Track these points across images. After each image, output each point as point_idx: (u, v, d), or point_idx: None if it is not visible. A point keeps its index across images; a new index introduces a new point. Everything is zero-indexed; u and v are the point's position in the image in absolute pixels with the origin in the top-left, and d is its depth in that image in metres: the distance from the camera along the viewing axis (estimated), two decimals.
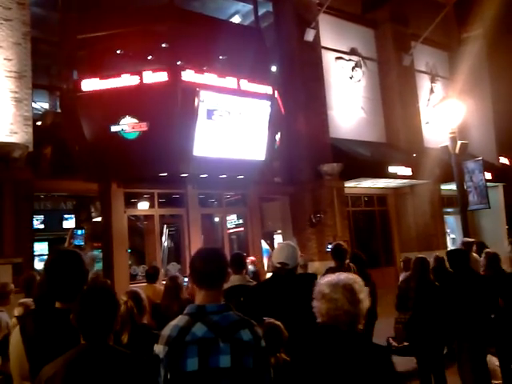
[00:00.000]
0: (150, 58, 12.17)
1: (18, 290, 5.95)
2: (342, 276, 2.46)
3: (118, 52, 11.67)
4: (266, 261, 13.24)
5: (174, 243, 13.58)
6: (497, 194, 18.03)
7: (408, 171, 14.88)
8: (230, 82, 10.99)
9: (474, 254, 7.56)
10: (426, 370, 5.58)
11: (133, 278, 11.07)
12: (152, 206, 12.01)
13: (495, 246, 7.78)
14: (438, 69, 19.76)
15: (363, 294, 2.39)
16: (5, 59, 9.75)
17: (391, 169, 14.53)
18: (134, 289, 4.07)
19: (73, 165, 10.48)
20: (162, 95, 10.18)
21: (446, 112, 10.05)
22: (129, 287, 7.77)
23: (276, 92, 11.90)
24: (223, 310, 2.38)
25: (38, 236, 12.29)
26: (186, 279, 6.09)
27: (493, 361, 5.68)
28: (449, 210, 17.80)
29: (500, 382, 5.64)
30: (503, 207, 18.48)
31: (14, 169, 9.25)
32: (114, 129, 10.22)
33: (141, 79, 10.29)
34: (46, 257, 9.86)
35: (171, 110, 10.16)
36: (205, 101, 10.50)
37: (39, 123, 11.01)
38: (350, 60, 16.51)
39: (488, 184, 14.79)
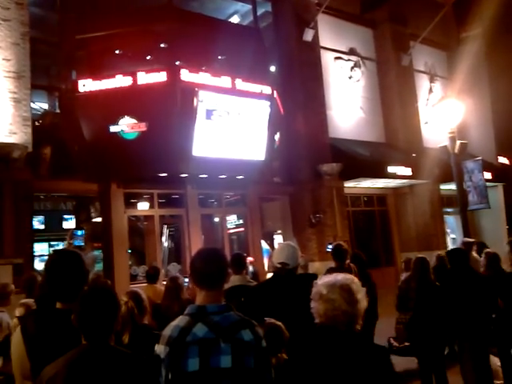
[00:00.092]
0: (148, 58, 12.16)
1: (19, 290, 5.95)
2: (340, 276, 2.47)
3: (117, 52, 11.67)
4: (266, 261, 13.23)
5: (174, 243, 13.58)
6: (496, 194, 18.03)
7: (407, 171, 14.89)
8: (225, 81, 10.95)
9: (474, 254, 7.56)
10: (427, 370, 5.59)
11: (133, 278, 11.06)
12: (152, 206, 12.00)
13: (495, 246, 7.76)
14: (437, 68, 19.77)
15: (360, 295, 2.40)
16: (3, 59, 9.74)
17: (391, 169, 14.54)
18: (134, 289, 4.07)
19: (72, 165, 10.46)
20: (160, 95, 10.18)
21: (445, 112, 10.05)
22: (129, 288, 7.76)
23: (275, 92, 11.90)
24: (224, 310, 2.38)
25: (38, 236, 12.26)
26: (187, 279, 6.09)
27: (494, 361, 5.67)
28: (449, 209, 17.80)
29: (501, 382, 5.64)
30: (503, 207, 18.48)
31: (14, 169, 9.24)
32: (113, 129, 10.22)
33: (140, 79, 10.28)
34: (46, 257, 9.84)
35: (170, 110, 10.16)
36: (204, 101, 10.50)
37: (38, 123, 10.99)
38: (348, 60, 16.51)
39: (488, 184, 14.79)
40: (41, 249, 12.63)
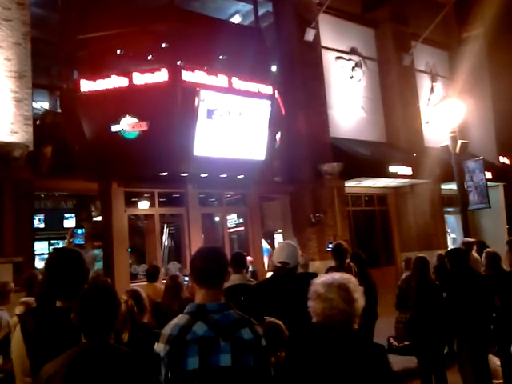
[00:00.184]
0: (150, 57, 12.17)
1: (19, 288, 5.96)
2: (337, 276, 2.48)
3: (118, 52, 11.67)
4: (266, 260, 13.23)
5: (175, 242, 13.58)
6: (497, 194, 18.02)
7: (408, 171, 14.88)
8: (222, 79, 10.94)
9: (474, 254, 7.57)
10: (427, 370, 5.59)
11: (133, 277, 11.07)
12: (152, 205, 12.01)
13: (496, 246, 7.76)
14: (438, 68, 19.75)
15: (358, 294, 2.41)
16: (5, 59, 9.75)
17: (391, 168, 14.54)
18: (134, 288, 4.08)
19: (73, 164, 10.48)
20: (162, 95, 10.19)
21: (446, 111, 10.05)
22: (129, 286, 7.78)
23: (276, 92, 11.90)
24: (224, 308, 2.39)
25: (39, 235, 12.27)
26: (187, 278, 6.10)
27: (494, 360, 5.68)
28: (449, 209, 17.80)
29: (501, 381, 5.64)
30: (504, 207, 18.47)
31: (15, 168, 9.25)
32: (114, 128, 10.23)
33: (141, 79, 10.29)
34: (46, 256, 9.86)
35: (171, 110, 10.17)
36: (205, 100, 10.50)
37: (39, 123, 11.00)
38: (350, 60, 16.50)
39: (488, 183, 14.76)
40: (41, 247, 12.64)
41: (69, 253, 2.64)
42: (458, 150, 9.71)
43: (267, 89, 11.69)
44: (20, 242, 9.15)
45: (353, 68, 16.57)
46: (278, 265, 3.87)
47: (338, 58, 16.16)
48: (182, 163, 10.65)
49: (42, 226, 12.61)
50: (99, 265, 11.17)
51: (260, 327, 2.47)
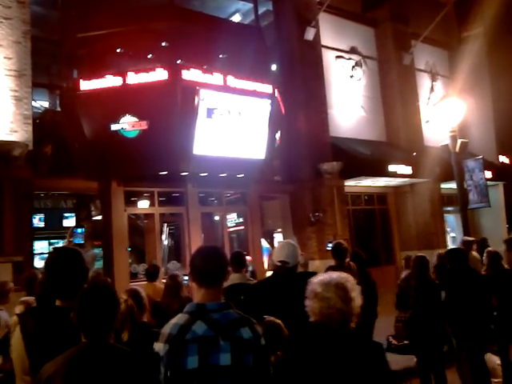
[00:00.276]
0: (149, 56, 12.15)
1: (18, 288, 5.96)
2: (334, 275, 2.48)
3: (118, 51, 11.65)
4: (266, 259, 13.24)
5: (174, 242, 13.58)
6: (497, 193, 18.03)
7: (408, 170, 14.88)
8: (217, 78, 10.89)
9: (474, 253, 7.57)
10: (426, 369, 5.60)
11: (133, 276, 11.07)
12: (152, 204, 12.00)
13: (495, 245, 7.78)
14: (438, 67, 19.75)
15: (355, 293, 2.41)
16: (5, 58, 9.73)
17: (391, 167, 14.53)
18: (134, 287, 4.09)
19: (73, 163, 10.47)
20: (162, 94, 10.18)
21: (446, 111, 10.04)
22: (129, 285, 7.78)
23: (276, 91, 11.90)
24: (223, 308, 2.39)
25: (38, 234, 12.28)
26: (186, 277, 6.09)
27: (492, 359, 5.69)
28: (449, 208, 17.80)
29: (500, 380, 5.65)
30: (503, 206, 18.48)
31: (14, 167, 9.24)
32: (114, 127, 10.23)
33: (140, 78, 10.29)
34: (46, 255, 9.86)
35: (171, 109, 10.16)
36: (205, 99, 10.50)
37: (39, 122, 11.00)
38: (350, 59, 16.50)
39: (488, 183, 14.81)
40: (41, 247, 12.66)
41: (69, 252, 2.64)
42: (457, 149, 9.71)
43: (267, 88, 11.68)
44: (20, 242, 9.14)
45: (353, 67, 16.57)
46: (278, 264, 3.87)
47: (338, 57, 16.16)
48: (181, 162, 10.64)
49: (42, 225, 12.63)
50: (99, 264, 11.17)
51: (260, 326, 2.47)
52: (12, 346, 2.40)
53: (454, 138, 9.75)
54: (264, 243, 13.72)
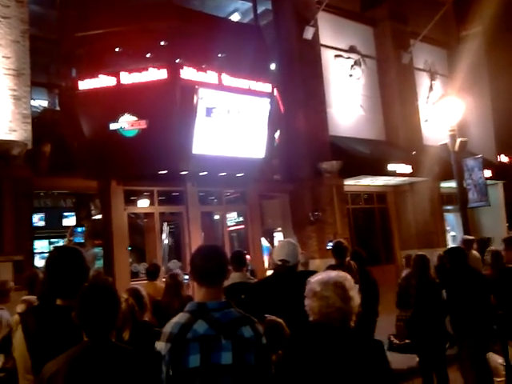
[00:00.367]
0: (148, 55, 12.13)
1: (19, 287, 5.96)
2: (332, 274, 2.49)
3: (117, 50, 11.63)
4: (266, 258, 13.24)
5: (174, 241, 13.58)
6: (496, 192, 18.04)
7: (407, 169, 14.89)
8: (211, 76, 10.86)
9: (474, 252, 7.58)
10: (428, 368, 5.60)
11: (134, 275, 11.07)
12: (152, 203, 12.00)
13: (495, 244, 7.80)
14: (437, 66, 19.75)
15: (354, 291, 2.42)
16: (3, 57, 9.72)
17: (391, 166, 14.53)
18: (134, 286, 4.09)
19: (72, 162, 10.45)
20: (161, 93, 10.17)
21: (445, 110, 10.06)
22: (130, 285, 7.78)
23: (275, 90, 11.89)
24: (224, 307, 2.39)
25: (38, 233, 12.28)
26: (187, 276, 6.09)
27: (494, 358, 5.69)
28: (449, 207, 17.80)
29: (502, 379, 5.65)
30: (503, 205, 18.50)
31: (14, 166, 9.23)
32: (113, 126, 10.22)
33: (140, 77, 10.28)
34: (46, 254, 9.86)
35: (170, 108, 10.16)
36: (204, 98, 10.49)
37: (38, 121, 10.98)
38: (349, 58, 16.49)
39: (488, 181, 14.80)
40: (41, 246, 12.65)
41: (69, 251, 2.64)
42: (457, 148, 9.72)
43: (266, 87, 11.68)
44: (20, 241, 9.14)
45: (352, 66, 16.56)
46: (279, 263, 3.86)
47: (337, 56, 16.16)
48: (181, 161, 10.64)
49: (42, 224, 12.64)
50: (99, 263, 11.17)
51: (261, 325, 2.47)
52: (14, 345, 2.40)
53: (453, 137, 9.76)
54: (264, 242, 13.72)
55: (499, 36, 18.02)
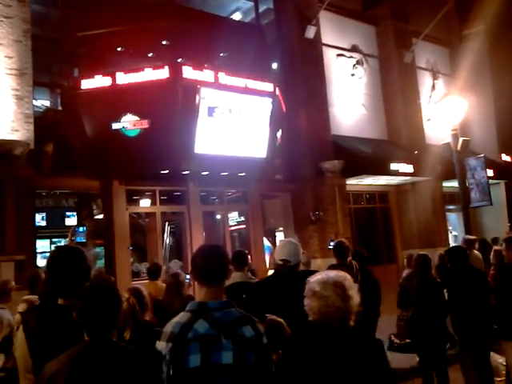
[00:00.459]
0: (150, 55, 12.14)
1: (20, 287, 5.96)
2: (332, 273, 2.49)
3: (119, 49, 11.65)
4: (267, 258, 13.24)
5: (176, 240, 13.58)
6: (499, 191, 18.01)
7: (410, 168, 14.87)
8: (208, 75, 10.81)
9: (476, 252, 7.56)
10: (429, 367, 5.59)
11: (135, 275, 11.08)
12: (153, 203, 12.01)
13: (498, 244, 7.79)
14: (440, 65, 19.72)
15: (353, 291, 2.42)
16: (5, 57, 9.74)
17: (393, 166, 14.52)
18: (135, 286, 4.09)
19: (74, 162, 10.47)
20: (162, 92, 10.18)
21: (447, 109, 10.03)
22: (131, 284, 7.79)
23: (277, 89, 11.89)
24: (225, 306, 2.38)
25: (40, 233, 12.30)
26: (188, 276, 6.10)
27: (495, 358, 5.67)
28: (451, 207, 17.78)
29: (503, 379, 5.64)
30: (505, 204, 18.46)
31: (16, 166, 9.25)
32: (115, 126, 10.23)
33: (141, 76, 10.28)
34: (48, 254, 9.88)
35: (172, 108, 10.16)
36: (206, 98, 10.49)
37: (40, 120, 11.00)
38: (351, 57, 16.48)
39: (490, 181, 14.77)
40: (43, 245, 12.67)
41: (71, 251, 2.65)
42: (459, 148, 9.69)
43: (268, 86, 11.67)
44: (22, 240, 9.16)
45: (354, 65, 16.55)
46: (280, 263, 3.86)
47: (338, 55, 16.14)
48: (182, 161, 10.64)
49: (44, 224, 12.65)
50: (101, 263, 11.19)
51: (261, 325, 2.47)
52: (15, 345, 2.41)
53: (455, 137, 9.73)
54: (266, 242, 13.72)
55: (502, 34, 17.99)
